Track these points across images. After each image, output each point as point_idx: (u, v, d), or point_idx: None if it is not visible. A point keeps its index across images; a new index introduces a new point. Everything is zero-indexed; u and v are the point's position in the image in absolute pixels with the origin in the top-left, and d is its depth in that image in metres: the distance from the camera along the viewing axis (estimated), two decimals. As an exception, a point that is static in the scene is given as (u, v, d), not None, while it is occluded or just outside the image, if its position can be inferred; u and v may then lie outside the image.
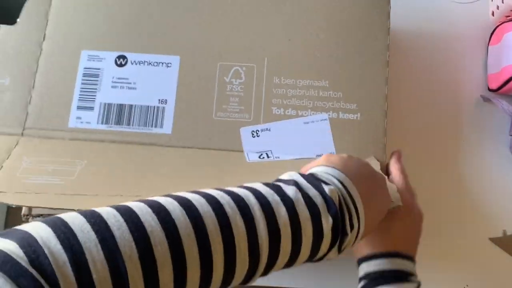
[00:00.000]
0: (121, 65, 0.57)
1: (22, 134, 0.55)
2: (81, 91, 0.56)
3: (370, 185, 0.38)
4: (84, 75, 0.57)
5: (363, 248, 0.46)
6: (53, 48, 0.58)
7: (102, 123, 0.55)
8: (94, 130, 0.55)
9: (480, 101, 0.72)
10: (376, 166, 0.53)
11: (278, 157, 0.54)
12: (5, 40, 0.58)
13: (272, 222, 0.30)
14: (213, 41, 0.58)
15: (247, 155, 0.54)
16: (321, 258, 0.35)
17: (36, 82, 0.56)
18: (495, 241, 0.65)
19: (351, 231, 0.34)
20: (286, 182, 0.34)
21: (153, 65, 0.57)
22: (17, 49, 0.57)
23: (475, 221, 0.65)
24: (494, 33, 0.73)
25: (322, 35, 0.58)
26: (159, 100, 0.56)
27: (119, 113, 0.56)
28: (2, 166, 0.49)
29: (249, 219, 0.30)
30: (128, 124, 0.55)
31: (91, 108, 0.56)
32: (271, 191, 0.32)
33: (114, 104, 0.56)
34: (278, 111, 0.56)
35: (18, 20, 0.59)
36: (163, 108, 0.56)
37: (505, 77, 0.67)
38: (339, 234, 0.33)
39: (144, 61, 0.57)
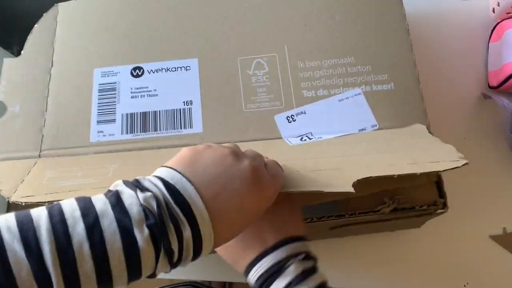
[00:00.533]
0: (137, 76, 0.54)
1: (39, 156, 0.50)
2: (99, 106, 0.53)
3: (225, 184, 0.33)
4: (100, 90, 0.53)
5: (246, 254, 0.41)
6: (62, 72, 0.55)
7: (127, 133, 0.51)
8: (119, 141, 0.51)
9: (480, 98, 0.72)
10: (423, 130, 0.50)
11: (321, 137, 0.51)
12: (11, 71, 0.55)
13: (62, 241, 0.27)
14: (229, 37, 0.56)
15: (288, 140, 0.51)
16: (153, 274, 0.31)
17: (49, 106, 0.53)
18: (496, 238, 0.64)
19: (180, 239, 0.30)
20: (106, 193, 0.31)
21: (171, 70, 0.55)
22: (25, 77, 0.54)
23: (475, 218, 0.64)
24: (495, 30, 0.73)
25: (338, 16, 0.57)
26: (183, 102, 0.53)
27: (143, 121, 0.52)
28: (23, 180, 0.44)
29: (32, 242, 0.26)
30: (155, 130, 0.51)
31: (113, 121, 0.52)
32: (74, 207, 0.29)
33: (137, 113, 0.52)
34: (309, 94, 0.53)
35: (22, 52, 0.56)
36: (190, 109, 0.52)
37: (506, 74, 0.67)
38: (161, 245, 0.29)
39: (162, 69, 0.55)
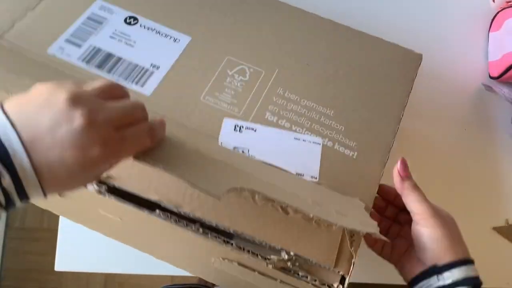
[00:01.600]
0: (129, 24, 0.54)
1: (-5, 38, 0.49)
2: (77, 29, 0.52)
3: (48, 129, 0.31)
4: (89, 18, 0.53)
5: (418, 263, 0.46)
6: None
7: (82, 61, 0.50)
8: (71, 64, 0.49)
9: (481, 88, 0.70)
10: (360, 206, 0.45)
11: (254, 156, 0.46)
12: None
13: None
14: (231, 37, 0.55)
15: (221, 144, 0.47)
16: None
17: (38, 7, 0.53)
18: (498, 230, 0.64)
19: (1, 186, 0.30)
20: None
21: (161, 35, 0.53)
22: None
23: (478, 210, 0.62)
24: (495, 19, 0.72)
25: (342, 72, 0.54)
26: (151, 64, 0.51)
27: (104, 60, 0.50)
28: None
29: None
30: (109, 72, 0.50)
31: (79, 46, 0.51)
32: None
33: (104, 51, 0.51)
34: (271, 118, 0.50)
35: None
36: (152, 72, 0.50)
37: (507, 64, 0.65)
38: None
39: (154, 29, 0.54)
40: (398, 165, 0.47)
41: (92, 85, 0.36)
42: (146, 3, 0.56)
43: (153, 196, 0.43)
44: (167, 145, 0.40)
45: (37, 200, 0.35)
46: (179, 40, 0.53)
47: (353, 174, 0.48)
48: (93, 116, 0.33)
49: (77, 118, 0.32)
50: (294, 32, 0.57)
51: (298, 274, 0.44)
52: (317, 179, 0.46)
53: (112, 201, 0.44)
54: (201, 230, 0.44)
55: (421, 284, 0.45)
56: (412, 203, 0.46)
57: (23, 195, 0.32)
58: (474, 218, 0.61)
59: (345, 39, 0.57)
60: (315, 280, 0.43)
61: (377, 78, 0.55)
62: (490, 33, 0.74)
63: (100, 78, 0.47)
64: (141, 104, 0.38)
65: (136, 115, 0.37)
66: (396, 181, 0.47)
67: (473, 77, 0.72)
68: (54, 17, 0.52)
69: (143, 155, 0.38)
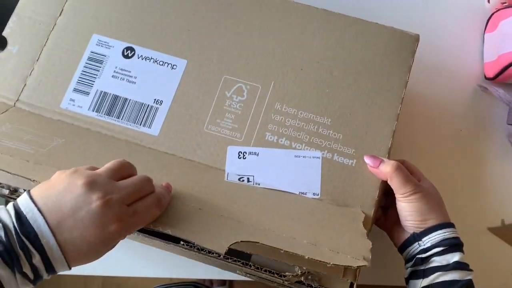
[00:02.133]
0: (127, 57, 0.56)
1: (14, 104, 0.54)
2: (81, 73, 0.55)
3: (70, 213, 0.37)
4: (89, 59, 0.56)
5: (406, 227, 0.52)
6: (67, 25, 0.57)
7: (93, 110, 0.54)
8: (83, 116, 0.54)
9: (476, 89, 0.71)
10: (359, 217, 0.49)
11: (259, 184, 0.51)
12: (24, 8, 0.58)
13: None
14: (224, 53, 0.56)
15: (227, 175, 0.52)
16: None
17: (42, 55, 0.56)
18: (494, 230, 0.65)
19: (31, 263, 0.35)
20: None
21: (159, 63, 0.56)
22: (34, 19, 0.57)
23: (474, 210, 0.64)
24: (490, 20, 0.72)
25: (336, 72, 0.54)
26: (155, 99, 0.55)
27: (112, 104, 0.54)
28: None
29: None
30: (118, 117, 0.54)
31: (87, 93, 0.55)
32: None
33: (110, 94, 0.55)
34: (271, 138, 0.53)
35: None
36: (157, 108, 0.54)
37: (502, 64, 0.65)
38: (13, 263, 0.35)
39: (151, 58, 0.56)
40: (367, 161, 0.52)
41: (105, 167, 0.42)
42: (139, 31, 0.57)
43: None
44: (173, 208, 0.46)
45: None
46: (176, 66, 0.55)
47: (353, 183, 0.52)
48: (108, 197, 0.38)
49: (94, 201, 0.38)
50: (286, 29, 0.56)
51: (312, 286, 0.51)
52: (319, 196, 0.51)
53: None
54: (222, 257, 0.51)
55: (406, 251, 0.52)
56: (394, 184, 0.50)
57: (51, 269, 0.37)
58: (469, 219, 0.64)
59: (340, 29, 0.56)
60: (326, 291, 0.50)
61: (373, 71, 0.55)
62: (486, 34, 0.72)
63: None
64: (147, 178, 0.44)
65: (144, 190, 0.43)
66: (375, 174, 0.52)
67: (469, 78, 0.71)
68: (59, 63, 0.56)
69: (153, 222, 0.44)
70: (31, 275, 0.36)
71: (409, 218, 0.51)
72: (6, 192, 0.46)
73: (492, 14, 0.71)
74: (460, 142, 0.66)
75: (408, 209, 0.50)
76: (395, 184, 0.50)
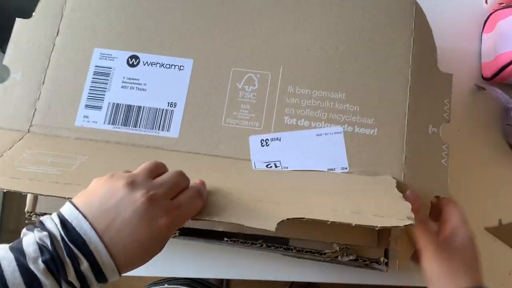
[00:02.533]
0: (133, 65, 0.56)
1: (28, 130, 0.54)
2: (90, 89, 0.55)
3: (117, 215, 0.37)
4: (95, 73, 0.56)
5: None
6: (66, 43, 0.57)
7: (109, 123, 0.54)
8: (100, 130, 0.54)
9: (474, 90, 0.71)
10: (392, 184, 0.50)
11: (287, 167, 0.52)
12: (20, 34, 0.57)
13: None
14: (228, 46, 0.56)
15: (254, 164, 0.52)
16: None
17: (46, 78, 0.56)
18: (491, 230, 0.65)
19: (78, 271, 0.35)
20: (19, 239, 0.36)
21: (166, 67, 0.56)
22: (32, 43, 0.57)
23: (471, 210, 0.62)
24: (488, 20, 0.72)
25: (342, 48, 0.55)
26: (168, 103, 0.54)
27: (126, 114, 0.54)
28: (2, 155, 0.48)
29: None
30: (135, 126, 0.54)
31: (99, 108, 0.54)
32: None
33: (123, 105, 0.55)
34: (290, 121, 0.53)
35: (33, 13, 0.58)
36: (172, 111, 0.54)
37: (500, 65, 0.66)
38: (59, 272, 0.34)
39: (157, 63, 0.56)
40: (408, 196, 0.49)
41: (140, 168, 0.42)
42: (140, 38, 0.57)
43: (218, 228, 0.51)
44: (213, 202, 0.46)
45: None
46: (183, 67, 0.56)
47: (378, 151, 0.52)
48: (151, 193, 0.38)
49: (139, 199, 0.38)
50: (285, 12, 0.57)
51: (350, 259, 0.51)
52: (348, 169, 0.52)
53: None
54: (264, 245, 0.51)
55: None
56: (418, 238, 0.49)
57: (101, 276, 0.36)
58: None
59: (337, 4, 0.57)
60: (364, 260, 0.51)
61: (377, 39, 0.55)
62: (483, 34, 0.73)
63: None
64: (181, 172, 0.44)
65: (182, 183, 0.43)
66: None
67: (466, 78, 0.71)
68: (66, 82, 0.55)
69: (197, 214, 0.44)
70: (77, 284, 0.35)
71: (431, 281, 0.47)
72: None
73: (490, 14, 0.71)
74: (458, 142, 0.65)
75: (430, 271, 0.47)
76: (419, 238, 0.49)
